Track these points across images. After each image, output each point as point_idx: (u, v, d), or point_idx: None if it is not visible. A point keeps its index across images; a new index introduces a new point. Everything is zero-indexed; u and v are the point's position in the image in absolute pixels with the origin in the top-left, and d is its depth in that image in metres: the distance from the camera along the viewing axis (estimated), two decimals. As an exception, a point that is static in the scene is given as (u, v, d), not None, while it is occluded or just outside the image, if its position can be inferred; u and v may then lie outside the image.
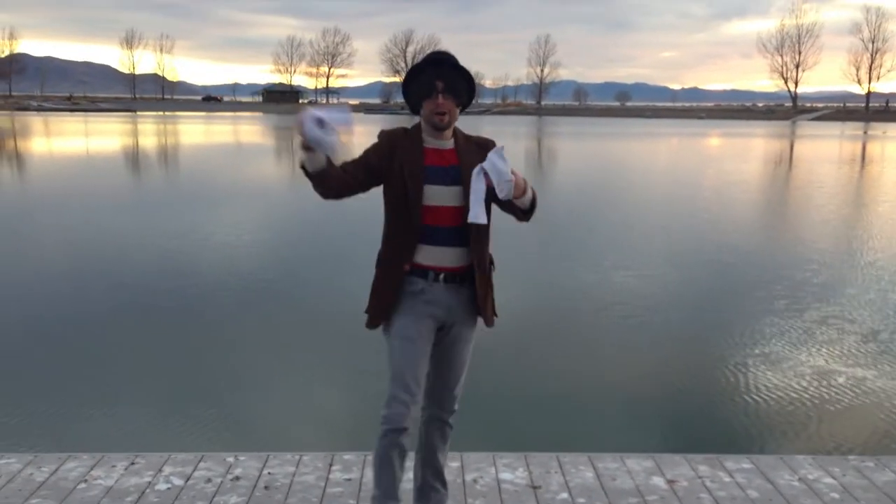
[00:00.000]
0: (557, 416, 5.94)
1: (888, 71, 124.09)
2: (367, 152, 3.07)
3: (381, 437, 3.06)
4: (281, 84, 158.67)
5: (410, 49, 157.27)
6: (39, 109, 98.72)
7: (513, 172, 2.88)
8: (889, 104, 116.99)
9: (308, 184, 2.93)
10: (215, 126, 67.96)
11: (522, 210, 3.06)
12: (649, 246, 13.05)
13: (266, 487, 3.77)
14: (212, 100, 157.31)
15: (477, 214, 2.91)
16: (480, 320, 3.29)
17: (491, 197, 2.97)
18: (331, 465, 3.99)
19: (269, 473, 3.90)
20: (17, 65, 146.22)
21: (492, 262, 3.25)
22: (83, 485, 3.77)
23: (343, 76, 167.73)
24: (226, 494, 3.69)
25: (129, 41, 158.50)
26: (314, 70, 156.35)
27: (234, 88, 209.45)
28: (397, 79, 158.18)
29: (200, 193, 20.31)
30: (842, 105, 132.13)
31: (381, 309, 3.09)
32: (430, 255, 3.05)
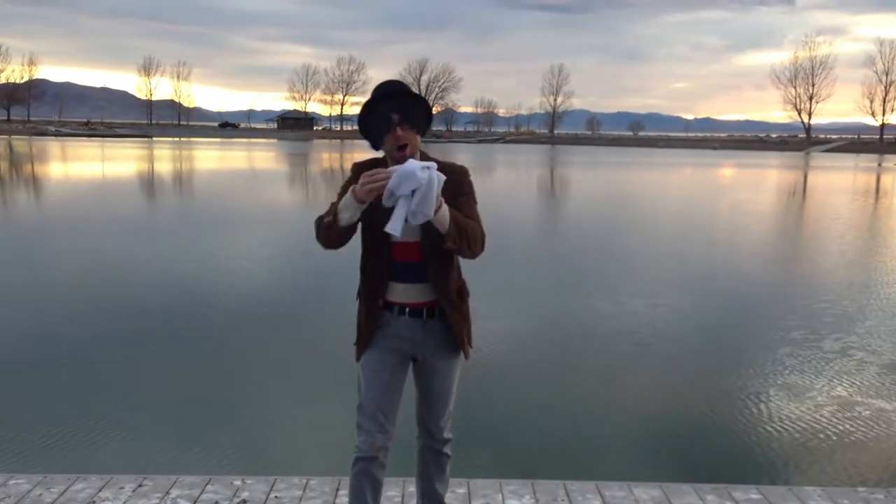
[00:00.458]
0: (565, 444, 5.92)
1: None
2: (339, 198, 2.99)
3: (352, 466, 3.10)
4: (295, 111, 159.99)
5: (424, 77, 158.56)
6: (57, 134, 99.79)
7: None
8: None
9: (312, 231, 2.96)
10: (231, 152, 68.47)
11: (442, 234, 2.87)
12: (663, 274, 13.03)
13: (272, 511, 3.77)
14: (229, 126, 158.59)
15: (395, 226, 2.73)
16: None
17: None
18: (338, 490, 3.99)
19: (275, 497, 3.92)
20: (35, 90, 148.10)
21: (464, 293, 3.20)
22: (91, 506, 3.79)
23: (357, 104, 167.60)
24: (232, 517, 3.70)
25: (147, 68, 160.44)
26: (329, 98, 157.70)
27: (249, 115, 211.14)
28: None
29: (214, 218, 20.44)
30: (856, 137, 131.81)
31: (362, 343, 3.14)
32: (398, 292, 3.08)
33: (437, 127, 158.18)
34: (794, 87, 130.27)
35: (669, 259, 14.81)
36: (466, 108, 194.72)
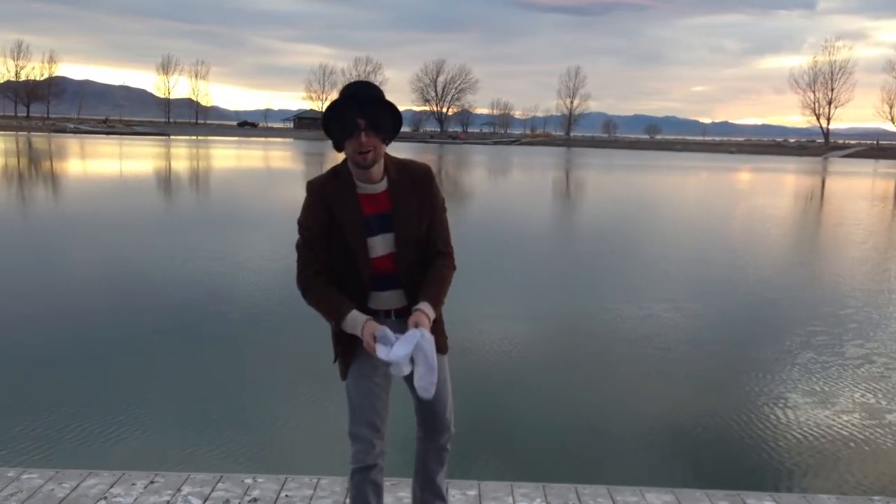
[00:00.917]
0: (577, 447, 5.89)
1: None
2: (311, 231, 2.97)
3: (352, 476, 3.06)
4: (312, 111, 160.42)
5: (441, 79, 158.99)
6: (76, 132, 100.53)
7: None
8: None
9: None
10: (249, 150, 68.76)
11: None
12: (683, 279, 12.96)
13: (283, 510, 3.77)
14: (248, 125, 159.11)
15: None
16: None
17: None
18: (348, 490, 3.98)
19: (286, 496, 3.91)
20: (55, 88, 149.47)
21: None
22: (102, 502, 3.80)
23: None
24: (243, 515, 3.70)
25: (166, 66, 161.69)
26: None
27: (266, 114, 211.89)
28: (427, 108, 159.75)
29: (233, 216, 20.52)
30: (874, 142, 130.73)
31: (347, 354, 3.07)
32: (380, 301, 3.05)
33: (453, 128, 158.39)
34: (813, 92, 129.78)
35: (690, 263, 14.75)
36: (482, 110, 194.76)
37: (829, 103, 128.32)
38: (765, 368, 7.78)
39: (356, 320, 2.90)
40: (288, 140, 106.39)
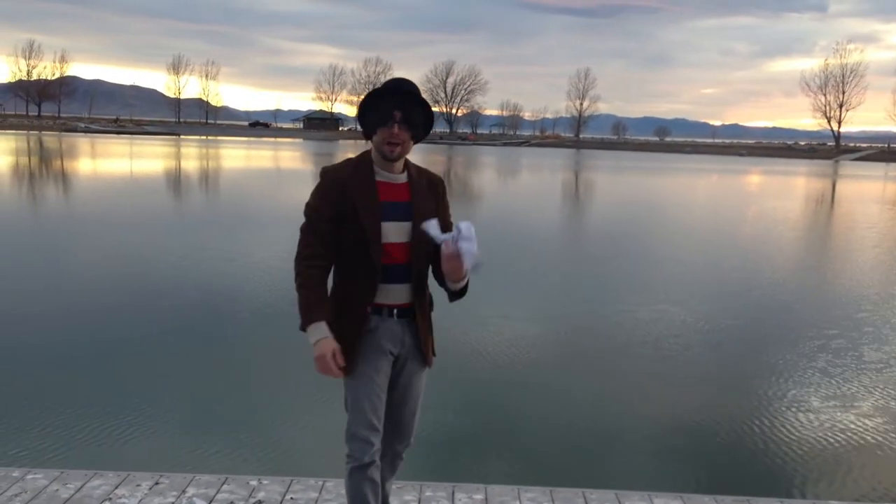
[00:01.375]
0: (585, 451, 5.85)
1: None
2: (320, 212, 2.99)
3: (349, 476, 3.05)
4: (321, 111, 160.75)
5: (451, 80, 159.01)
6: (86, 131, 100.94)
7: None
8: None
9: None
10: (259, 151, 68.85)
11: (452, 291, 3.05)
12: (697, 281, 12.88)
13: (287, 512, 3.75)
14: (260, 125, 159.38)
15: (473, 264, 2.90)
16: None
17: (433, 256, 3.00)
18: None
19: (291, 499, 3.89)
20: (66, 87, 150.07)
21: (432, 303, 3.20)
22: (107, 503, 3.78)
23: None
24: (247, 518, 3.67)
25: (176, 67, 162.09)
26: (355, 98, 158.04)
27: (276, 115, 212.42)
28: (437, 109, 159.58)
29: (243, 217, 20.53)
30: (886, 146, 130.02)
31: (346, 352, 3.00)
32: (387, 294, 3.03)
33: (462, 129, 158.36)
34: (824, 95, 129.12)
35: (703, 266, 14.67)
36: (492, 111, 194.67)
37: (840, 106, 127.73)
38: (778, 372, 7.72)
39: (320, 331, 2.91)
40: (297, 140, 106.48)
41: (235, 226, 18.44)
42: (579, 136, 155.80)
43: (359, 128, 3.09)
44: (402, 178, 3.06)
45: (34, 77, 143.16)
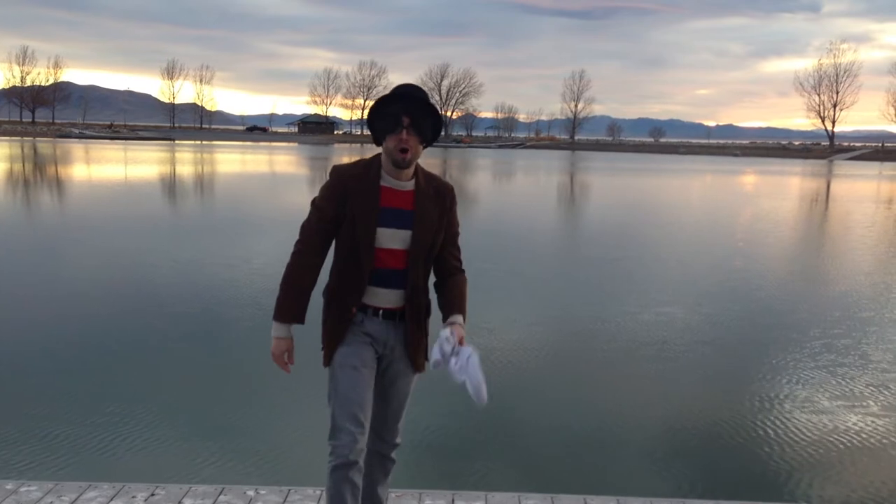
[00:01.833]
0: (586, 457, 5.79)
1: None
2: (322, 212, 3.03)
3: (331, 473, 2.99)
4: (316, 115, 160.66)
5: (445, 83, 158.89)
6: (80, 137, 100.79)
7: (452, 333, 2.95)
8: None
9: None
10: (254, 155, 68.72)
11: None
12: (699, 283, 12.79)
13: (285, 524, 3.69)
14: (258, 130, 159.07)
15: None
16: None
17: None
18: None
19: (289, 509, 3.83)
20: (60, 93, 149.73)
21: (430, 310, 3.20)
22: (102, 515, 3.73)
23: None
24: (244, 530, 3.62)
25: (170, 71, 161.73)
26: (350, 102, 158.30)
27: (271, 119, 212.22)
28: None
29: (243, 222, 20.46)
30: (880, 145, 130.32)
31: (332, 343, 3.08)
32: (375, 296, 3.05)
33: (457, 132, 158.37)
34: (818, 95, 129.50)
35: (706, 267, 14.59)
36: (487, 114, 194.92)
37: (834, 106, 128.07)
38: (783, 375, 7.67)
39: (280, 330, 3.09)
40: (292, 145, 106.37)
41: (232, 231, 18.38)
42: (574, 137, 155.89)
43: (366, 132, 3.14)
44: (409, 185, 3.05)
45: (28, 83, 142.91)
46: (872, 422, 6.47)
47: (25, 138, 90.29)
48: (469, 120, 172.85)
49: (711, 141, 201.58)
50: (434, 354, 2.90)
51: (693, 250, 17.01)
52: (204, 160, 57.23)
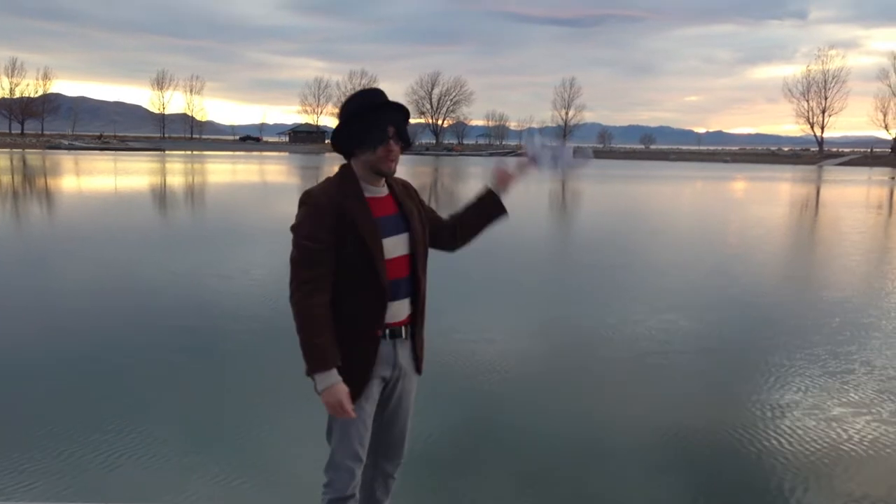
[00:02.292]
0: (584, 469, 5.65)
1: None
2: (319, 242, 2.81)
3: None
4: (307, 124, 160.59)
5: (436, 91, 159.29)
6: (70, 148, 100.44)
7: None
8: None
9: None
10: (246, 165, 68.61)
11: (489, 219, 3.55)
12: (699, 290, 12.69)
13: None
14: (251, 139, 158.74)
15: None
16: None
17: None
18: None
19: (289, 530, 3.69)
20: (50, 104, 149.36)
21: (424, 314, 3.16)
22: (94, 539, 3.58)
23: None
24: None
25: (160, 82, 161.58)
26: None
27: (261, 128, 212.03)
28: (423, 120, 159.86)
29: (240, 233, 20.31)
30: (868, 150, 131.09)
31: (356, 377, 2.89)
32: (393, 312, 2.95)
33: (448, 140, 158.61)
34: (807, 101, 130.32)
35: (705, 274, 14.47)
36: (478, 122, 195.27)
37: (823, 112, 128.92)
38: (788, 382, 7.54)
39: (330, 378, 2.79)
40: (283, 154, 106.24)
41: (228, 241, 18.23)
42: (565, 145, 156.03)
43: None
44: (385, 190, 3.01)
45: (17, 95, 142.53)
46: (885, 430, 6.35)
47: (14, 150, 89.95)
48: (460, 128, 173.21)
49: (702, 147, 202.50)
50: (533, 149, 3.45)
51: (690, 257, 16.92)
52: (195, 170, 57.07)
